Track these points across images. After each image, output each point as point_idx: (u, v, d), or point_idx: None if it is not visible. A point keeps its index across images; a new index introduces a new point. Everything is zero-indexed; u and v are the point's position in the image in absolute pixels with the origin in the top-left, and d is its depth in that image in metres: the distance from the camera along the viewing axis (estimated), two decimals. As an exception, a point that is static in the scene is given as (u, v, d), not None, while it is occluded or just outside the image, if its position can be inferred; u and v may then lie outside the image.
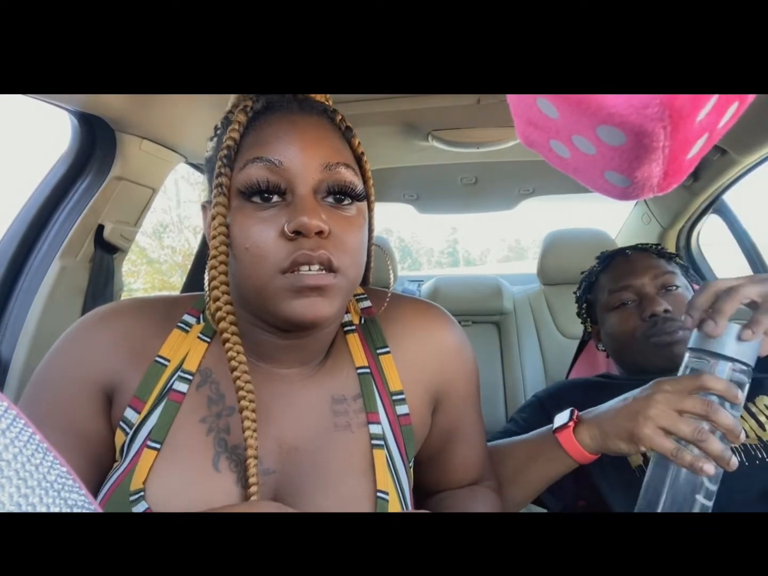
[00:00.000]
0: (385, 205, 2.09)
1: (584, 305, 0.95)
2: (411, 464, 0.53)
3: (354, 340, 0.54)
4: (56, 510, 0.19)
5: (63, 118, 0.88)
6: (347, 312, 0.56)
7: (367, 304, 0.57)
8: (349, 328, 0.55)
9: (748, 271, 1.49)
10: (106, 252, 0.99)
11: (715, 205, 1.50)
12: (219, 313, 0.44)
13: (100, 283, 0.98)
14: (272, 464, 0.47)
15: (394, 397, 0.52)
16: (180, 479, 0.44)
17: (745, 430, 0.65)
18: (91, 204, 0.91)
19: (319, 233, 0.42)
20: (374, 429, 0.50)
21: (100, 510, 0.22)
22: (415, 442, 0.53)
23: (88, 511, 0.20)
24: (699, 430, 0.50)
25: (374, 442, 0.49)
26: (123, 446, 0.46)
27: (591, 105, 0.30)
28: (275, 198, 0.43)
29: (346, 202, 0.45)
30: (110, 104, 0.83)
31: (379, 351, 0.54)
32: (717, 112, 0.30)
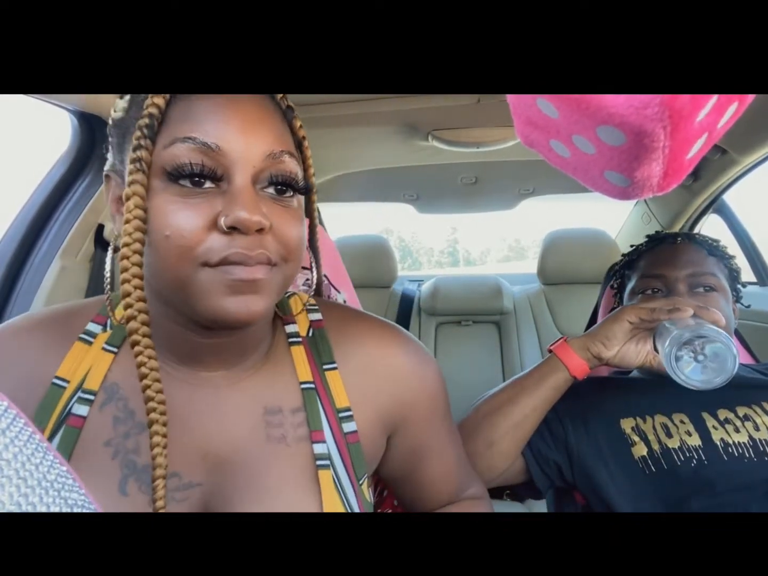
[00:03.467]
0: (385, 205, 2.09)
1: (618, 280, 0.92)
2: (362, 482, 0.49)
3: (299, 353, 0.50)
4: (56, 509, 0.19)
5: (63, 118, 0.88)
6: (293, 323, 0.52)
7: (317, 316, 0.53)
8: (294, 339, 0.51)
9: (748, 270, 1.49)
10: (106, 252, 0.99)
11: (715, 205, 1.49)
12: (129, 311, 0.38)
13: (100, 283, 0.98)
14: (196, 477, 0.44)
15: (341, 414, 0.49)
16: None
17: (756, 424, 0.67)
18: (91, 204, 0.91)
19: (259, 231, 0.38)
20: (319, 448, 0.46)
21: (100, 510, 0.22)
22: (366, 460, 0.50)
23: (88, 511, 0.20)
24: (670, 300, 0.64)
25: (319, 462, 0.45)
26: None
27: (591, 105, 0.30)
28: (208, 183, 0.38)
29: (288, 194, 0.41)
30: (110, 104, 0.83)
31: (325, 367, 0.50)
32: (717, 112, 0.30)
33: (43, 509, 0.18)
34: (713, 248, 0.81)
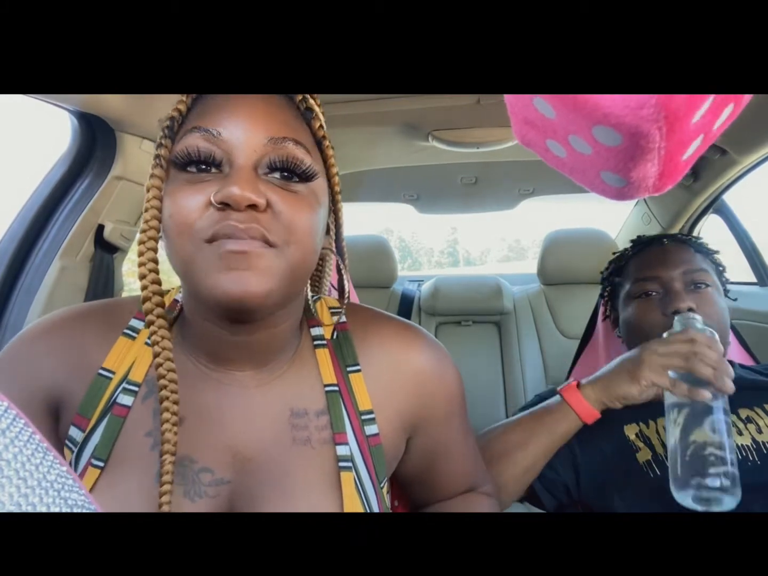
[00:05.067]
0: (385, 205, 2.09)
1: (608, 287, 0.92)
2: (383, 485, 0.50)
3: (323, 356, 0.50)
4: (56, 510, 0.19)
5: (63, 118, 0.88)
6: (318, 326, 0.52)
7: (342, 318, 0.54)
8: (319, 342, 0.51)
9: (748, 271, 1.49)
10: (106, 252, 0.99)
11: (715, 205, 1.49)
12: (144, 293, 0.41)
13: (100, 283, 0.98)
14: (226, 474, 0.45)
15: (363, 417, 0.49)
16: (120, 498, 0.42)
17: (759, 427, 0.67)
18: (91, 204, 0.91)
19: (253, 207, 0.38)
20: (342, 450, 0.47)
21: (100, 510, 0.22)
22: (387, 462, 0.50)
23: (88, 511, 0.20)
24: (689, 357, 0.61)
25: (342, 464, 0.46)
26: (70, 465, 0.44)
27: (587, 105, 0.30)
28: (213, 170, 0.40)
29: (293, 180, 0.41)
30: (110, 104, 0.83)
31: (349, 369, 0.50)
32: (713, 114, 0.30)
33: (43, 509, 0.18)
34: (698, 246, 0.83)
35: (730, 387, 0.58)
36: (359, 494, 0.46)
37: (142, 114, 0.88)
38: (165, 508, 0.40)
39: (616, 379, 0.65)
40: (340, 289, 0.56)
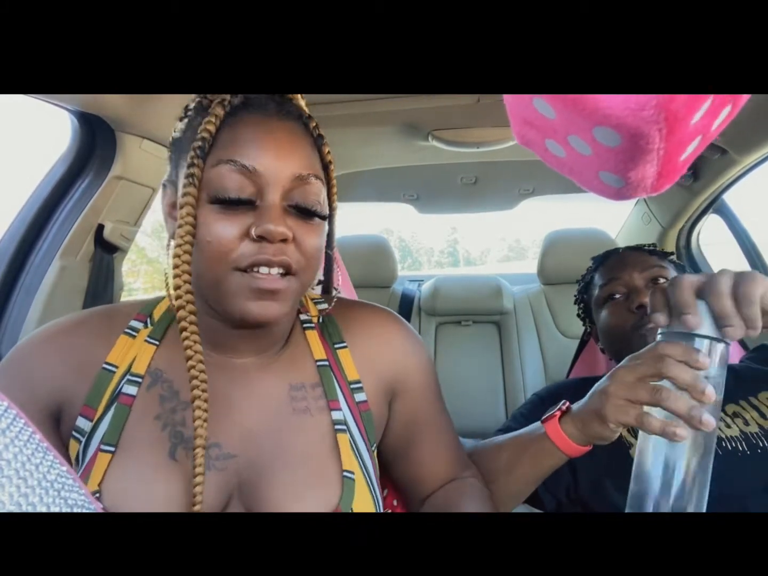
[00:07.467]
0: (385, 205, 2.09)
1: (581, 305, 0.98)
2: (374, 448, 0.57)
3: (313, 336, 0.58)
4: (56, 510, 0.19)
5: (63, 118, 0.88)
6: (306, 311, 0.60)
7: (324, 306, 0.61)
8: (308, 324, 0.59)
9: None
10: (106, 252, 0.99)
11: (715, 205, 1.49)
12: (179, 302, 0.45)
13: (100, 282, 0.98)
14: (233, 449, 0.49)
15: (352, 386, 0.56)
16: (136, 474, 0.46)
17: (746, 420, 0.68)
18: (91, 204, 0.91)
19: (283, 240, 0.45)
20: (336, 415, 0.53)
21: (100, 510, 0.22)
22: (375, 427, 0.57)
23: (88, 511, 0.20)
24: (657, 390, 0.48)
25: (337, 427, 0.52)
26: (78, 455, 0.47)
27: (588, 106, 0.30)
28: (245, 199, 0.45)
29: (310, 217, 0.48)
30: (110, 104, 0.83)
31: (336, 346, 0.58)
32: (711, 115, 0.30)
33: (43, 509, 0.18)
34: (652, 250, 0.89)
35: (708, 424, 0.46)
36: (354, 453, 0.52)
37: (142, 114, 0.88)
38: (198, 491, 0.44)
39: (588, 420, 0.56)
40: (327, 271, 0.63)
